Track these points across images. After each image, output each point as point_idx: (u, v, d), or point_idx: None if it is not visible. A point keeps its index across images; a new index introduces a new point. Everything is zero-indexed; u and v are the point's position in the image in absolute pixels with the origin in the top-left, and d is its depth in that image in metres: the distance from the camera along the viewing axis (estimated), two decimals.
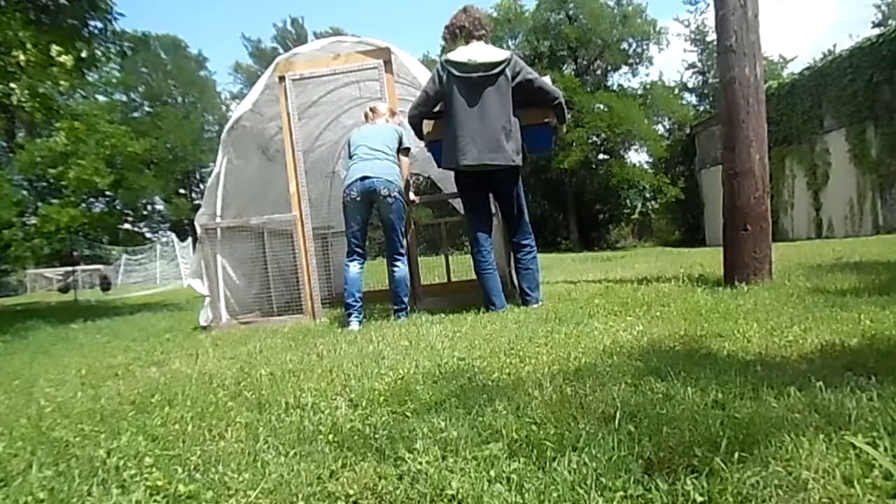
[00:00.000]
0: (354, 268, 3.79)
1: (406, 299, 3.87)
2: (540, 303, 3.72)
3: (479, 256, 3.73)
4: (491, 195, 3.84)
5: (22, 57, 7.33)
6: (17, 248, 28.65)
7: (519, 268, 3.80)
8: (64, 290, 22.06)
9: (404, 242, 3.88)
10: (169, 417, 1.80)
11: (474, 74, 3.44)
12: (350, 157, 3.83)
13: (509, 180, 3.67)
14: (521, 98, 3.52)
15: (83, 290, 20.90)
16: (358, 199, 3.68)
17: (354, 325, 3.65)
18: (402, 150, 3.87)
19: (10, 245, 27.11)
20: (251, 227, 4.84)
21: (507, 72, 3.46)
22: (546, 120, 3.69)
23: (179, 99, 41.14)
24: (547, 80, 3.74)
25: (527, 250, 3.77)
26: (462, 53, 3.52)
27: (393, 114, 4.10)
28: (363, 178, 3.65)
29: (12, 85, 7.87)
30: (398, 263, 3.83)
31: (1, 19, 7.23)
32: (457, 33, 3.62)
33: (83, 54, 8.09)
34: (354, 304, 3.72)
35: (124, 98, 37.68)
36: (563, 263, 9.41)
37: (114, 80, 31.46)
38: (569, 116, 3.89)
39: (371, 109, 4.08)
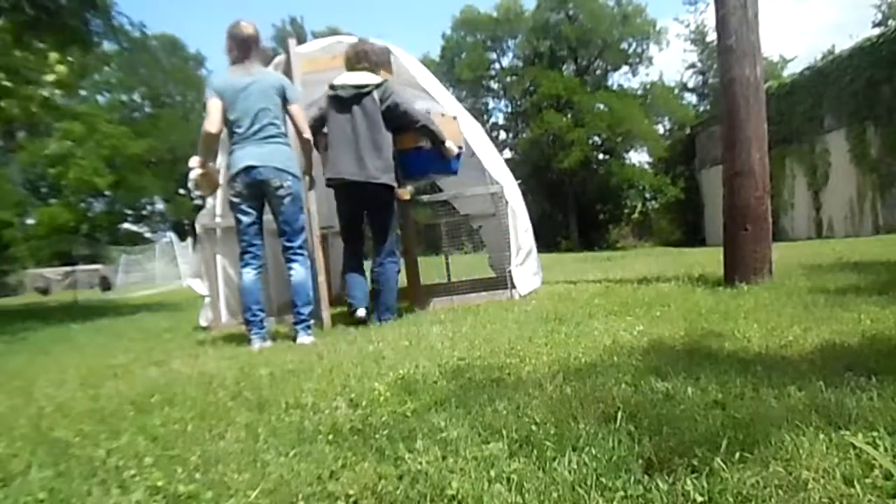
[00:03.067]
0: (249, 274, 3.24)
1: (306, 311, 3.22)
2: (383, 323, 3.55)
3: (347, 274, 3.73)
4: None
5: (18, 54, 7.32)
6: (17, 249, 28.70)
7: (373, 280, 3.78)
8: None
9: (301, 239, 3.32)
10: (169, 417, 1.80)
11: (342, 93, 3.61)
12: (230, 133, 3.24)
13: (379, 200, 3.65)
14: (396, 124, 3.64)
15: (83, 290, 20.87)
16: (245, 192, 3.20)
17: (257, 343, 3.14)
18: (294, 107, 3.28)
19: (9, 245, 27.15)
20: None
21: (375, 94, 3.59)
22: (419, 144, 3.75)
23: (178, 98, 41.09)
24: (438, 106, 3.93)
25: (383, 269, 3.71)
26: (341, 77, 3.69)
27: (252, 45, 3.28)
28: (248, 169, 3.15)
29: (3, 104, 7.87)
30: (294, 264, 3.28)
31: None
32: (347, 63, 3.79)
33: (75, 66, 8.13)
34: (253, 318, 3.19)
35: (124, 98, 37.70)
36: (563, 263, 9.41)
37: (112, 81, 31.53)
38: (455, 143, 3.87)
39: (242, 39, 3.24)
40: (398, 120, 3.63)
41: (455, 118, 4.03)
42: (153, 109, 38.58)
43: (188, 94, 40.86)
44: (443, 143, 3.75)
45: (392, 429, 1.47)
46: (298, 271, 3.27)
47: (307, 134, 3.36)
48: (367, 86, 3.60)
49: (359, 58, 3.72)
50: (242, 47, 3.28)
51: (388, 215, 3.71)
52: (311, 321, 3.25)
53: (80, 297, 15.14)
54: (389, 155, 3.62)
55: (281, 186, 3.19)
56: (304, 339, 3.17)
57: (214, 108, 3.21)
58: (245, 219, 3.26)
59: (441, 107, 4.10)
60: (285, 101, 3.28)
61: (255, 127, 3.19)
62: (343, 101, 3.61)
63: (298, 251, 3.29)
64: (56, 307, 11.08)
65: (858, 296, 2.89)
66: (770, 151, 3.93)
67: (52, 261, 32.59)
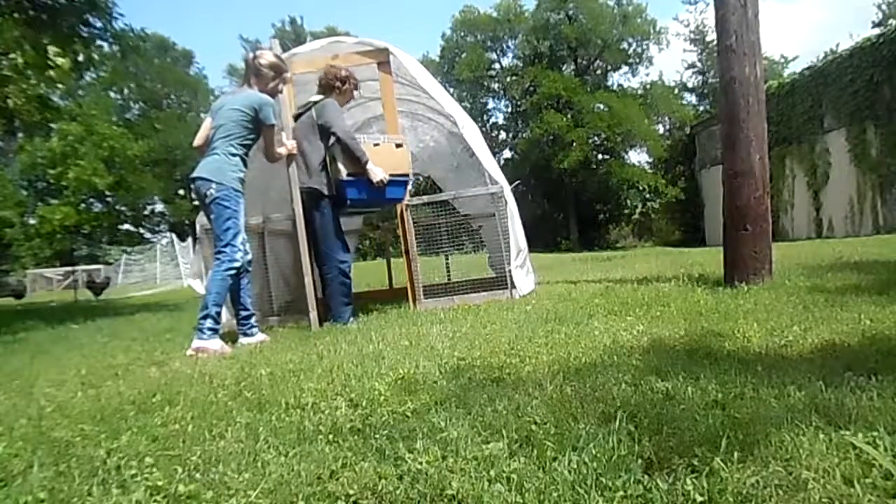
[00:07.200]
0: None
1: (201, 314, 3.21)
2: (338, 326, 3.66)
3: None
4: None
5: (20, 59, 7.31)
6: (17, 248, 28.67)
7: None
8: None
9: (222, 244, 3.34)
10: (169, 417, 1.80)
11: (302, 111, 3.92)
12: None
13: (309, 205, 3.77)
14: (326, 138, 3.79)
15: (83, 290, 20.81)
16: (197, 201, 3.47)
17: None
18: (266, 127, 3.41)
19: (10, 245, 27.13)
20: (251, 227, 4.83)
21: (313, 112, 3.81)
22: (356, 171, 3.75)
23: (173, 98, 40.89)
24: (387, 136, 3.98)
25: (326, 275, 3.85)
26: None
27: (277, 74, 3.54)
28: (192, 180, 3.38)
29: (10, 86, 7.85)
30: (215, 264, 3.35)
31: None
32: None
33: (80, 58, 8.08)
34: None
35: (119, 97, 37.62)
36: (563, 263, 9.41)
37: (107, 78, 31.45)
38: (399, 172, 3.88)
39: (245, 65, 3.61)
40: (325, 134, 3.79)
41: (400, 146, 3.93)
42: (147, 109, 38.44)
43: (182, 94, 40.72)
44: (358, 158, 3.73)
45: (392, 429, 1.47)
46: (211, 273, 3.38)
47: (272, 158, 3.60)
48: (310, 104, 3.86)
49: (318, 82, 4.05)
50: (245, 73, 3.62)
51: (319, 221, 3.81)
52: (203, 325, 3.19)
53: (79, 298, 15.13)
54: (320, 167, 3.79)
55: (206, 195, 3.34)
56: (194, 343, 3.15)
57: (203, 124, 3.55)
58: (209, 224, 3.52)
59: (387, 137, 4.04)
60: (258, 119, 3.39)
61: (213, 141, 3.40)
62: (297, 115, 3.93)
63: (216, 255, 3.37)
64: (56, 307, 11.08)
65: (858, 296, 2.89)
66: (770, 151, 3.94)
67: (52, 261, 32.55)
